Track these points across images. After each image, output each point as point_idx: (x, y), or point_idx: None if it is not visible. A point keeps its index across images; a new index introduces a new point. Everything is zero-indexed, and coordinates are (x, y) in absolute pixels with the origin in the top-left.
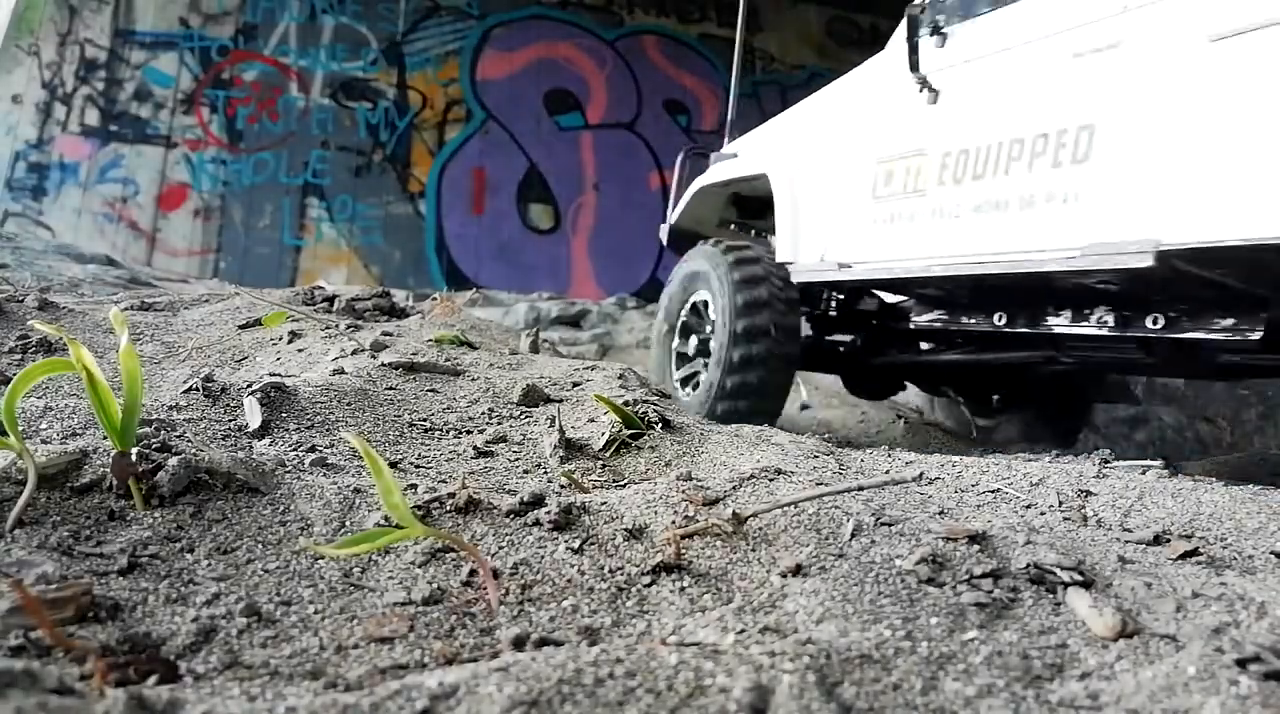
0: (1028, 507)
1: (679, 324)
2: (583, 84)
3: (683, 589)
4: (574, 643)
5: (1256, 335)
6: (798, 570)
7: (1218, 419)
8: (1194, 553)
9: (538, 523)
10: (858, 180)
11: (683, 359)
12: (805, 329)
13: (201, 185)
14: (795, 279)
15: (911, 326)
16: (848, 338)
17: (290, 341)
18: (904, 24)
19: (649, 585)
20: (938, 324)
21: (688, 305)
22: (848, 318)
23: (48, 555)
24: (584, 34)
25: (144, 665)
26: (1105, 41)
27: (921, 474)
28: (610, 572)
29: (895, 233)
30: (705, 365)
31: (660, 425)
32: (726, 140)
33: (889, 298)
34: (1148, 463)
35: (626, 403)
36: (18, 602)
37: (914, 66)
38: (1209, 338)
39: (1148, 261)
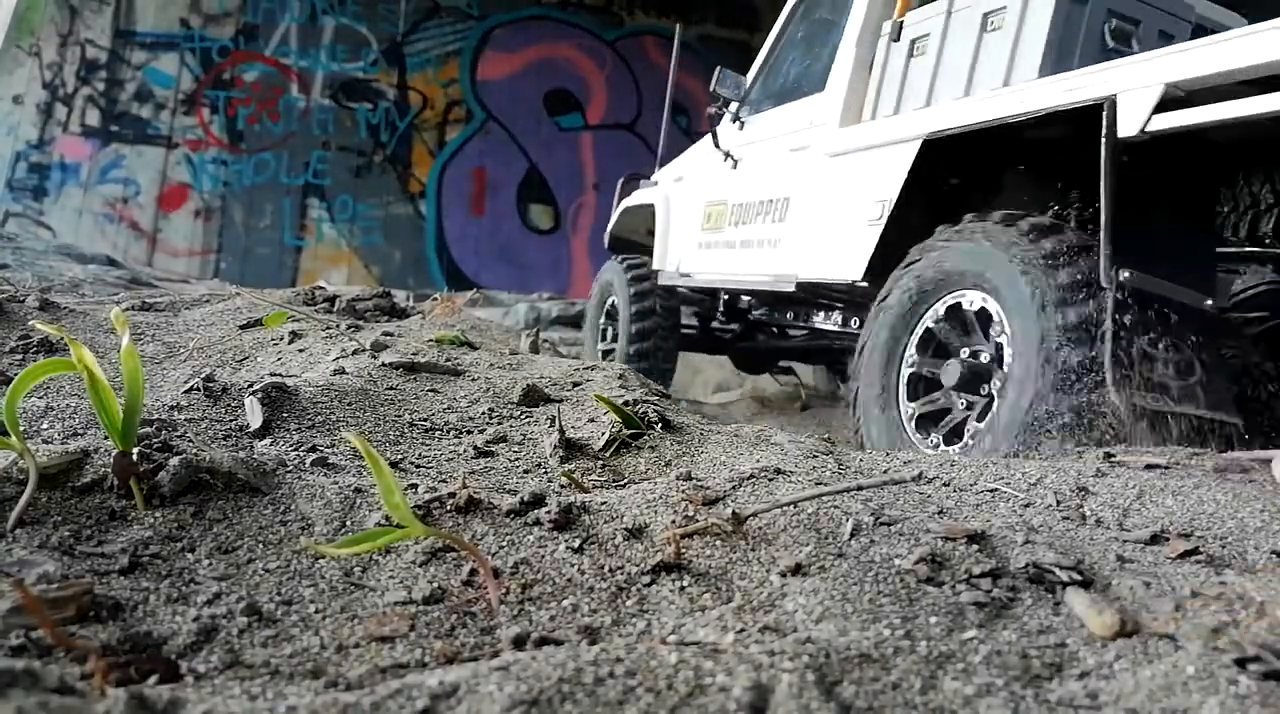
0: (1026, 505)
1: (602, 317)
2: (583, 85)
3: (682, 588)
4: (574, 642)
5: None
6: (797, 570)
7: None
8: (1193, 552)
9: (538, 522)
10: (695, 215)
11: (604, 339)
12: (693, 321)
13: (202, 186)
14: (661, 282)
15: (750, 318)
16: (732, 328)
17: (291, 342)
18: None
19: (649, 585)
20: (763, 318)
21: (606, 304)
22: (731, 313)
23: (49, 555)
24: (584, 34)
25: (145, 665)
26: (799, 144)
27: (920, 473)
28: (610, 571)
29: (710, 254)
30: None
31: (660, 425)
32: (658, 168)
33: (746, 297)
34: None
35: (626, 403)
36: (19, 601)
37: (717, 145)
38: None
39: (792, 287)
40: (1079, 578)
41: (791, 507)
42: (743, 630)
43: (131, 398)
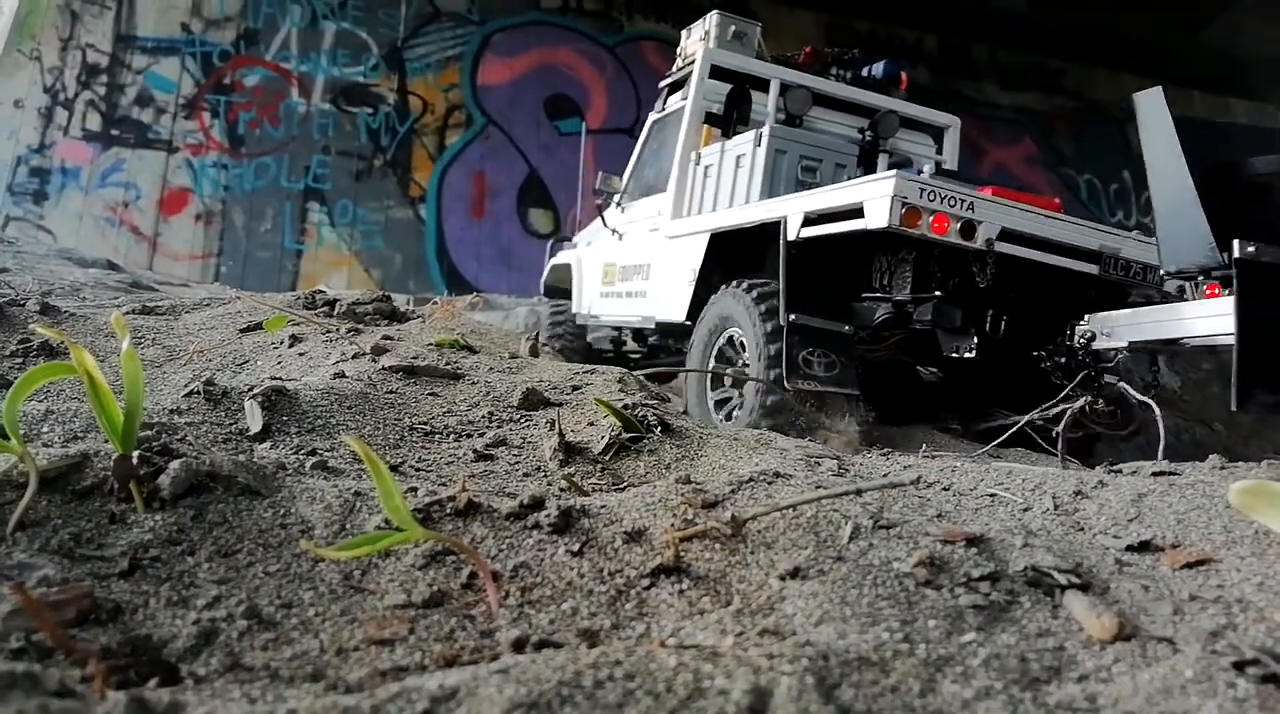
0: (1025, 510)
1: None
2: (582, 89)
3: (682, 592)
4: (573, 645)
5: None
6: (796, 573)
7: (1214, 423)
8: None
9: (537, 526)
10: (598, 272)
11: None
12: (607, 345)
13: (203, 190)
14: (579, 321)
15: (650, 341)
16: (641, 349)
17: (291, 345)
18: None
19: (648, 588)
20: (658, 342)
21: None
22: (638, 337)
23: (49, 558)
24: (584, 39)
25: (145, 668)
26: (654, 227)
27: (919, 477)
28: (610, 574)
29: (607, 301)
30: None
31: (660, 429)
32: (577, 230)
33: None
34: (1142, 463)
35: (626, 406)
36: (19, 604)
37: (605, 224)
38: None
39: (653, 325)
40: (1078, 581)
41: (790, 510)
42: (742, 633)
43: (131, 401)
